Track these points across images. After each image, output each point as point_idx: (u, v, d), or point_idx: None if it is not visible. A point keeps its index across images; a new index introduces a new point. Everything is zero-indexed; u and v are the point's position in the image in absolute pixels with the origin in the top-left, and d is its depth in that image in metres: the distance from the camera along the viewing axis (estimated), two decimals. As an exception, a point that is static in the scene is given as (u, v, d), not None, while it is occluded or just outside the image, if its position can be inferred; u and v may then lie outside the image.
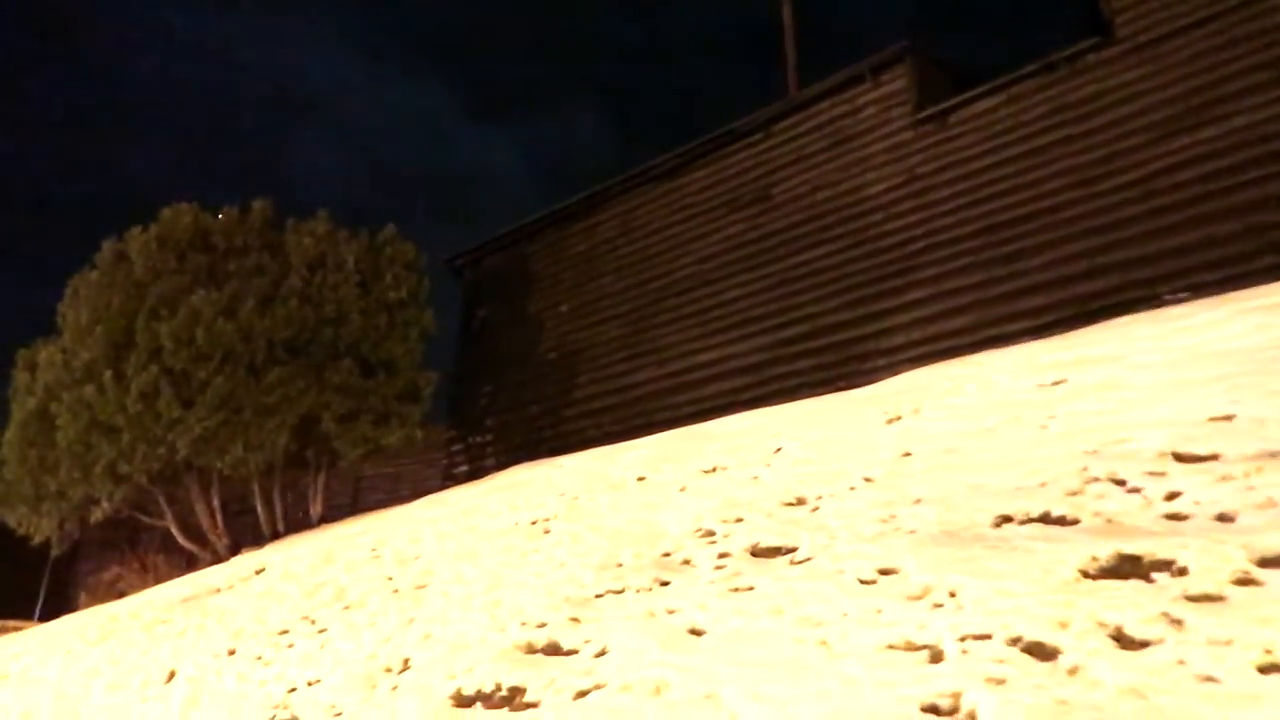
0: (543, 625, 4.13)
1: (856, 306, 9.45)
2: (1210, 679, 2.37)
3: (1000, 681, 2.58)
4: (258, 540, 12.01)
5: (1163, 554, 3.04)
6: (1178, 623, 2.64)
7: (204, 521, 12.24)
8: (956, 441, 4.95)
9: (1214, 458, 3.66)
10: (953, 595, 3.18)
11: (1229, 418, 3.99)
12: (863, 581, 3.55)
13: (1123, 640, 2.65)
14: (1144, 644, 2.60)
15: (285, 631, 5.69)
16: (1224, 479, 3.44)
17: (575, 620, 4.07)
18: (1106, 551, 3.16)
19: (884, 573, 3.56)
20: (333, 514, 12.73)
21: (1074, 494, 3.74)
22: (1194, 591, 2.78)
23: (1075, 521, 3.52)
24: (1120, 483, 3.72)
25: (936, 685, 2.66)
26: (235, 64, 68.38)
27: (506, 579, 5.15)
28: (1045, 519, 3.62)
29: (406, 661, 4.28)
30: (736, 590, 3.85)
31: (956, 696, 2.59)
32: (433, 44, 76.96)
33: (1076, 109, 8.33)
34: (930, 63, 9.81)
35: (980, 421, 5.15)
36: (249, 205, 12.96)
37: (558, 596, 4.48)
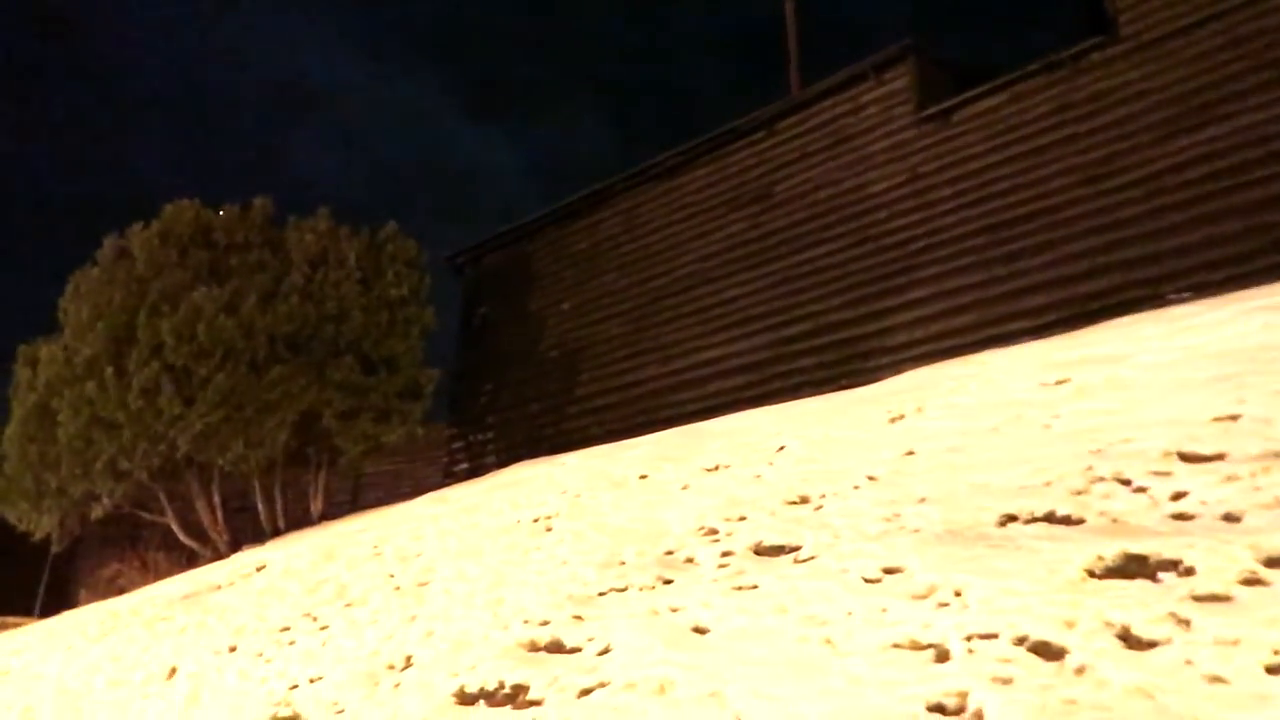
0: (546, 623, 4.12)
1: (858, 305, 9.44)
2: (1218, 679, 2.36)
3: (1007, 681, 2.58)
4: (258, 537, 12.00)
5: (1169, 554, 3.04)
6: (1185, 623, 2.63)
7: (204, 518, 12.23)
8: (960, 440, 4.94)
9: (1219, 457, 3.65)
10: (958, 594, 3.18)
11: (1234, 417, 3.99)
12: (867, 580, 3.54)
13: (1130, 640, 2.64)
14: (1151, 644, 2.59)
15: (287, 628, 5.68)
16: (1230, 479, 3.43)
17: (578, 618, 4.06)
18: (1112, 551, 3.15)
19: (888, 572, 3.55)
20: (333, 512, 12.72)
21: (1079, 493, 3.73)
22: (1201, 591, 2.77)
23: (1080, 521, 3.51)
24: (1125, 482, 3.71)
25: (942, 684, 2.66)
26: (236, 63, 68.34)
27: (509, 577, 5.14)
28: (1050, 518, 3.61)
29: (409, 659, 4.28)
30: (740, 589, 3.85)
31: (963, 696, 2.58)
32: (433, 43, 76.91)
33: (1079, 108, 8.32)
34: (933, 61, 9.79)
35: (984, 421, 5.15)
36: (250, 202, 12.94)
37: (560, 594, 4.48)
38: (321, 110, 73.02)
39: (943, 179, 9.11)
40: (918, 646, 2.93)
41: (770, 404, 8.94)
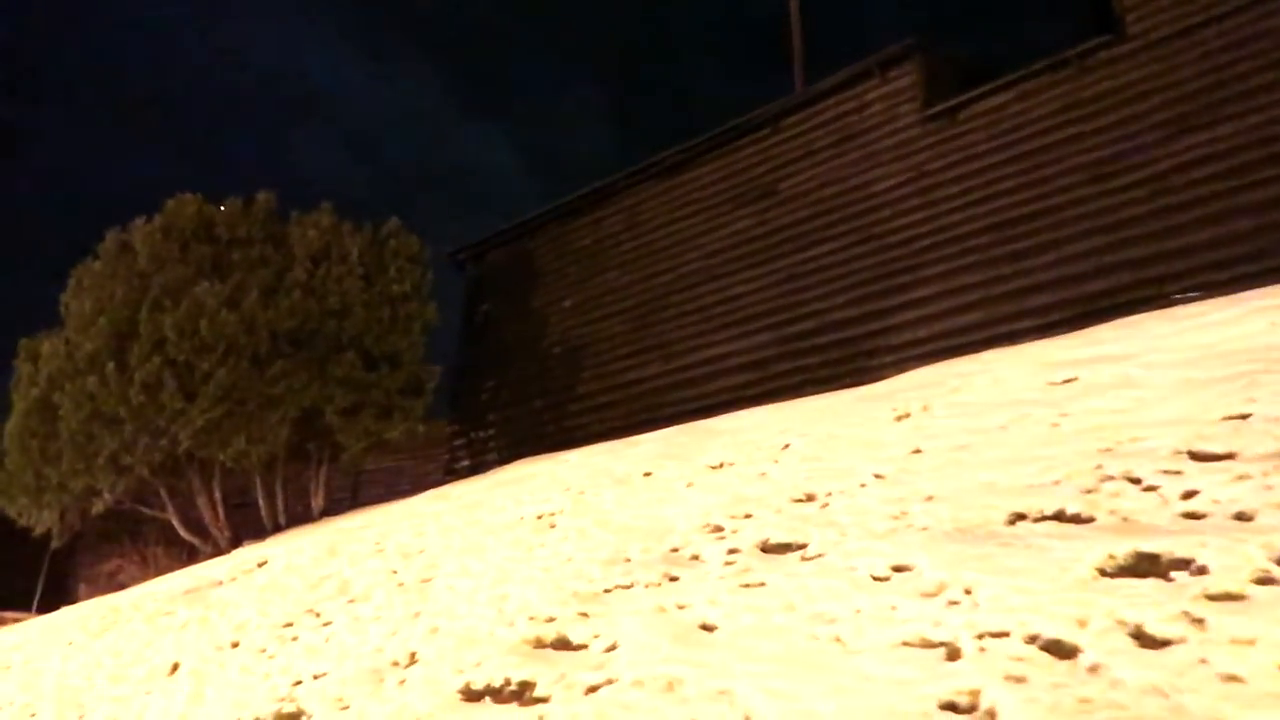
0: (551, 620, 4.10)
1: (863, 303, 9.42)
2: (1234, 678, 2.34)
3: (1020, 679, 2.55)
4: (258, 533, 11.99)
5: (1181, 552, 3.01)
6: (1199, 622, 2.61)
7: (205, 514, 12.21)
8: (967, 439, 4.92)
9: (1230, 456, 3.63)
10: (968, 592, 3.16)
11: (1244, 416, 3.97)
12: (876, 578, 3.52)
13: (1143, 639, 2.62)
14: (1165, 643, 2.57)
15: (289, 624, 5.66)
16: (1241, 478, 3.41)
17: (584, 615, 4.04)
18: (1124, 550, 3.13)
19: (897, 569, 3.53)
20: (332, 508, 12.70)
21: (1089, 492, 3.71)
22: (1214, 590, 2.75)
23: (1090, 520, 3.49)
24: (1135, 481, 3.69)
25: (954, 682, 2.64)
26: (236, 61, 68.22)
27: (513, 573, 5.12)
28: (1060, 517, 3.59)
29: (413, 655, 4.25)
30: (747, 586, 3.83)
31: (975, 694, 2.56)
32: (432, 40, 76.84)
33: (1086, 106, 8.30)
34: (939, 59, 9.76)
35: (991, 419, 5.12)
36: (253, 197, 12.92)
37: (565, 591, 4.46)
38: (322, 108, 72.97)
39: (948, 177, 9.09)
40: (928, 644, 2.91)
41: (773, 402, 8.92)
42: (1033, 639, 2.76)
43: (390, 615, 5.10)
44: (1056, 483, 3.90)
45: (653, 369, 11.41)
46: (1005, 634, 2.82)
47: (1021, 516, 3.70)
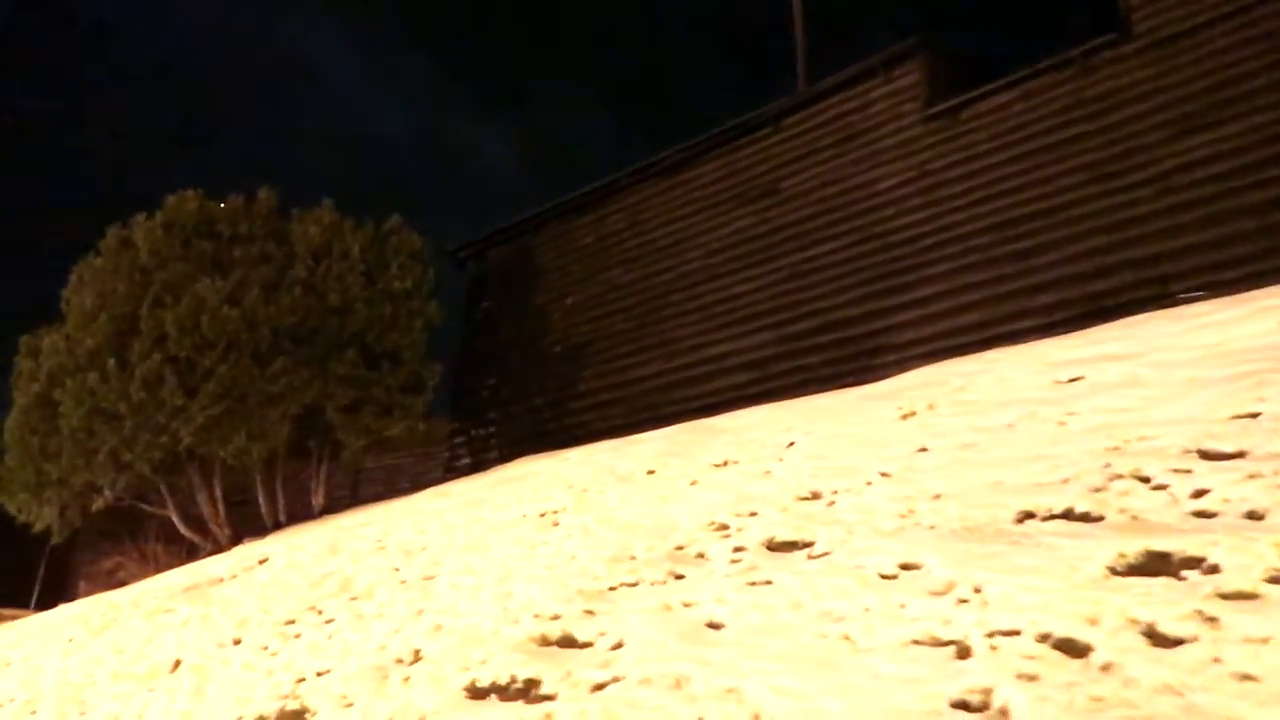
0: (556, 617, 4.08)
1: (866, 302, 9.40)
2: (1249, 677, 2.32)
3: (1032, 678, 2.54)
4: (258, 531, 11.97)
5: (1193, 551, 3.00)
6: (1212, 620, 2.60)
7: (205, 511, 12.19)
8: (973, 437, 4.90)
9: (1240, 455, 3.62)
10: (977, 591, 3.14)
11: (1254, 415, 3.95)
12: (884, 576, 3.50)
13: (1155, 638, 2.61)
14: (1178, 642, 2.55)
15: (291, 621, 5.64)
16: (1252, 476, 3.40)
17: (589, 613, 4.02)
18: (1134, 548, 3.11)
19: (905, 568, 3.51)
20: (332, 506, 12.68)
21: (1098, 490, 3.69)
22: (1227, 589, 2.73)
23: (1100, 518, 3.47)
24: (1145, 480, 3.67)
25: (966, 681, 2.62)
26: (235, 55, 68.08)
27: (517, 571, 5.11)
28: (1069, 515, 3.58)
29: (418, 653, 4.24)
30: (754, 584, 3.81)
31: (987, 693, 2.54)
32: (432, 37, 76.77)
33: (1091, 105, 8.27)
34: (943, 58, 9.73)
35: (997, 418, 5.11)
36: (254, 194, 12.89)
37: (570, 589, 4.44)
38: (320, 104, 72.84)
39: (951, 176, 9.07)
40: (938, 643, 2.90)
41: (775, 401, 8.90)
42: (1044, 637, 2.74)
43: (393, 613, 5.08)
44: (1065, 481, 3.88)
45: (654, 367, 11.39)
46: (1016, 632, 2.80)
47: (1030, 515, 3.68)
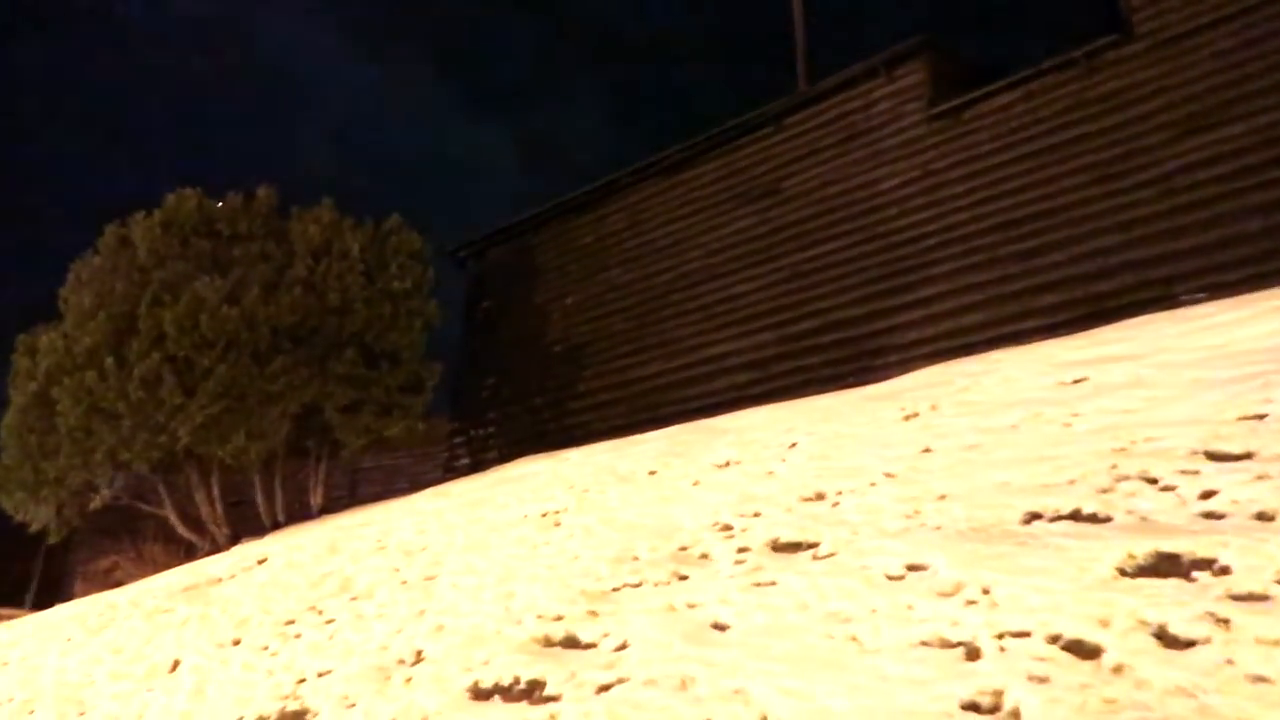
0: (559, 618, 4.06)
1: (868, 302, 9.38)
2: (1262, 679, 2.31)
3: (1043, 680, 2.52)
4: (256, 530, 11.92)
5: (1202, 553, 2.98)
6: (1224, 622, 2.58)
7: (203, 510, 12.14)
8: (978, 438, 4.88)
9: (1248, 456, 3.60)
10: (986, 592, 3.12)
11: (1261, 417, 3.93)
12: (890, 577, 3.48)
13: (1167, 639, 2.59)
14: (1190, 643, 2.54)
15: (291, 621, 5.61)
16: (1260, 478, 3.38)
17: (593, 614, 4.00)
18: (1143, 549, 3.10)
19: (912, 569, 3.49)
20: (330, 506, 12.64)
21: (1105, 491, 3.67)
22: (1238, 591, 2.71)
23: (1108, 519, 3.45)
24: (1152, 481, 3.65)
25: (976, 683, 2.60)
26: (232, 56, 67.93)
27: (518, 571, 5.08)
28: (1076, 516, 3.56)
29: (420, 653, 4.21)
30: (759, 585, 3.79)
31: (998, 694, 2.52)
32: (431, 37, 76.75)
33: (1094, 106, 8.26)
34: (945, 58, 9.72)
35: (1001, 419, 5.09)
36: (254, 192, 12.85)
37: (573, 589, 4.41)
38: (319, 104, 72.75)
39: (954, 176, 9.05)
40: (947, 644, 2.88)
41: (776, 402, 8.88)
42: (1054, 639, 2.72)
43: (394, 613, 5.05)
44: (1071, 482, 3.86)
45: (654, 367, 11.37)
46: (1026, 634, 2.78)
47: (1037, 516, 3.66)
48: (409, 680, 3.88)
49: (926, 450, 4.96)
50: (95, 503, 12.08)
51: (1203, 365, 4.89)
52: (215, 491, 12.09)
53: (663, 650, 3.38)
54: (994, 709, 2.48)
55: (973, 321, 8.48)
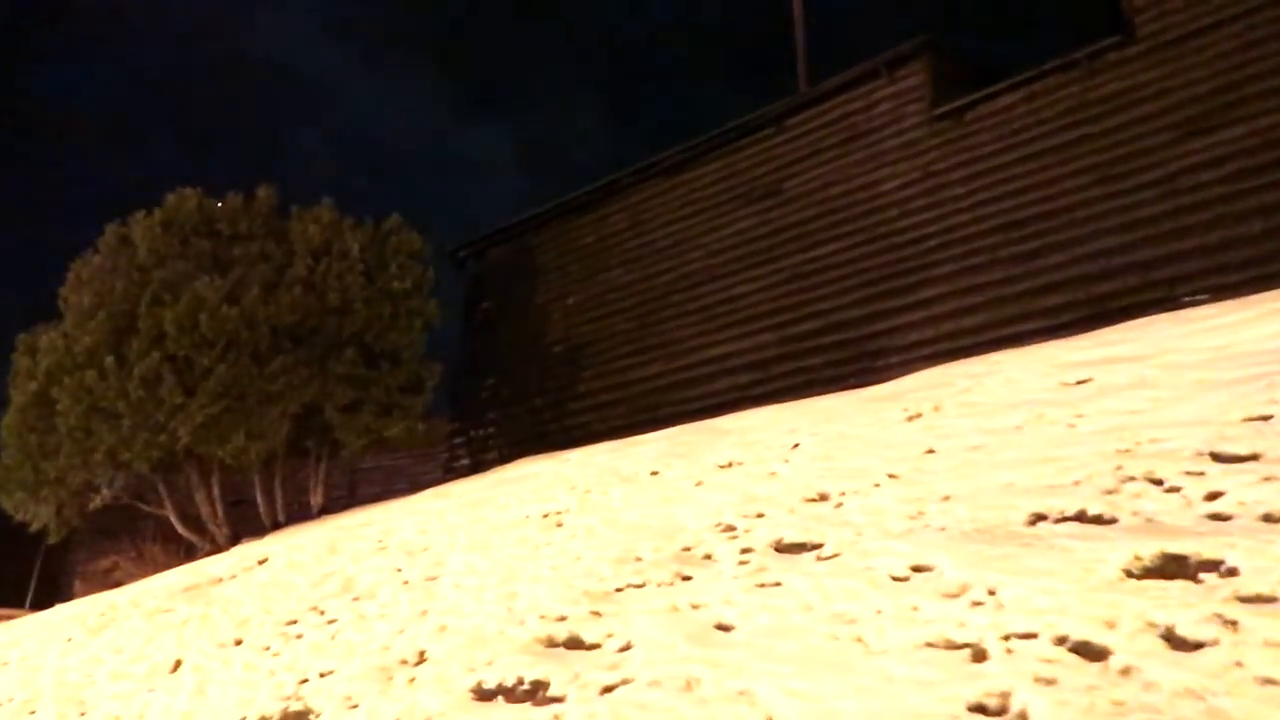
0: (562, 619, 4.05)
1: (869, 303, 9.38)
2: (1271, 681, 2.30)
3: (1050, 682, 2.51)
4: (256, 530, 11.91)
5: (1209, 554, 2.97)
6: (1232, 624, 2.57)
7: (203, 510, 12.13)
8: (981, 439, 4.87)
9: (1254, 457, 3.59)
10: (991, 593, 3.11)
11: (1266, 418, 3.93)
12: (895, 578, 3.47)
13: (1174, 641, 2.58)
14: (1198, 645, 2.53)
15: (293, 621, 5.59)
16: (1267, 479, 3.37)
17: (596, 614, 3.99)
18: (1150, 551, 3.09)
19: (917, 570, 3.48)
20: (330, 506, 12.63)
21: (1110, 493, 3.67)
22: (1246, 592, 2.70)
23: (1113, 520, 3.45)
24: (1158, 482, 3.65)
25: (982, 684, 2.59)
26: (230, 57, 67.90)
27: (521, 571, 5.07)
28: (1081, 517, 3.55)
29: (422, 654, 4.19)
30: (763, 586, 3.78)
31: (1005, 696, 2.51)
32: (430, 36, 76.75)
33: (1096, 107, 8.26)
34: (947, 59, 9.72)
35: (1005, 420, 5.08)
36: (253, 192, 12.85)
37: (576, 590, 4.40)
38: (317, 104, 72.74)
39: (956, 177, 9.05)
40: (953, 646, 2.86)
41: (778, 402, 8.87)
42: (1061, 640, 2.71)
43: (396, 613, 5.04)
44: (1076, 483, 3.85)
45: (655, 368, 11.36)
46: (1033, 635, 2.77)
47: (1042, 517, 3.65)
48: (412, 681, 3.87)
49: (930, 451, 4.95)
50: (95, 503, 12.07)
51: (1207, 366, 4.88)
52: (215, 491, 12.08)
53: (667, 651, 3.37)
54: (1001, 711, 2.47)
55: (974, 323, 8.48)
